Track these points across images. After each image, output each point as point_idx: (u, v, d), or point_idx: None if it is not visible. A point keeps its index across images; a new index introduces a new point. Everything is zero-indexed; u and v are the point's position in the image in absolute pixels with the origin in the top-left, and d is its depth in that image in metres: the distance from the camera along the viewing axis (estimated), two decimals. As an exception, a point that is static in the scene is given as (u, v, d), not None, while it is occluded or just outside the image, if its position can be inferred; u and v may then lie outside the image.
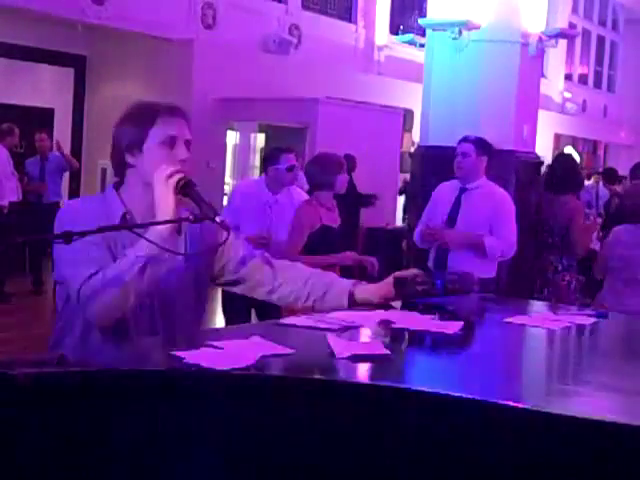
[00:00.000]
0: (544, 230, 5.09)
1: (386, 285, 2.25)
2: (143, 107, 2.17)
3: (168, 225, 2.01)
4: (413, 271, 2.28)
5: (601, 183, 11.86)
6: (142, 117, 2.13)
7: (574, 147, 18.85)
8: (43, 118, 10.71)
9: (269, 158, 4.95)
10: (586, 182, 12.86)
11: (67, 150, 10.65)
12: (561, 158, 5.57)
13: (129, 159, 2.13)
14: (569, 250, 5.03)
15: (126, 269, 1.97)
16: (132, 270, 1.97)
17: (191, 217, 2.04)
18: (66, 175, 9.53)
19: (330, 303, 2.26)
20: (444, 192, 4.77)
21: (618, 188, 10.94)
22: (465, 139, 4.66)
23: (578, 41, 19.26)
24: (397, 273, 2.28)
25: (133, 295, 1.99)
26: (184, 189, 2.02)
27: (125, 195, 2.16)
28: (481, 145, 4.62)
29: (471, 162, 4.56)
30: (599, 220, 5.83)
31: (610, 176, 11.09)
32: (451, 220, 4.61)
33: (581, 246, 5.03)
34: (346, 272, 4.13)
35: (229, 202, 5.23)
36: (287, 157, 4.87)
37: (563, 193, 5.07)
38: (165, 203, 2.01)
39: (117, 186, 2.19)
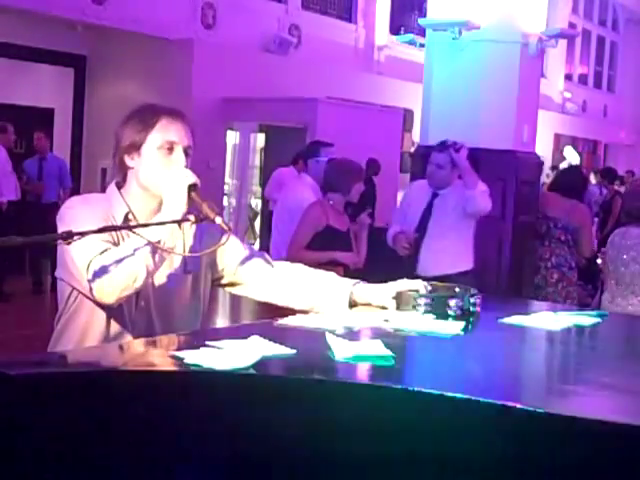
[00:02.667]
0: (557, 227, 5.25)
1: (386, 294, 2.21)
2: (145, 110, 2.17)
3: (171, 225, 2.01)
4: (418, 284, 2.22)
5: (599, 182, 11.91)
6: (142, 120, 2.13)
7: (574, 147, 18.84)
8: (43, 118, 10.71)
9: (310, 152, 5.08)
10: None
11: (67, 150, 10.68)
12: (572, 170, 5.84)
13: (128, 161, 2.14)
14: (577, 251, 5.31)
15: (138, 248, 1.97)
16: (144, 248, 1.97)
17: (192, 218, 2.04)
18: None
19: (330, 303, 2.26)
20: (416, 194, 4.73)
21: (617, 186, 10.98)
22: (441, 148, 4.55)
23: (578, 41, 19.28)
24: (400, 286, 2.22)
25: (144, 274, 1.98)
26: (188, 190, 2.03)
27: (127, 195, 2.16)
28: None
29: (444, 174, 4.53)
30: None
31: (609, 175, 11.13)
32: (422, 227, 4.56)
33: (591, 251, 5.34)
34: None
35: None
36: (328, 150, 5.02)
37: (569, 197, 5.27)
38: (177, 204, 2.01)
39: (119, 185, 2.19)
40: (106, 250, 1.99)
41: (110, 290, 1.98)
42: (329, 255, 4.25)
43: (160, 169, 2.09)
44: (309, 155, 5.14)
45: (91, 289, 2.00)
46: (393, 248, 4.68)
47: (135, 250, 1.97)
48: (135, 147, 2.12)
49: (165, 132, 2.11)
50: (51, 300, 8.00)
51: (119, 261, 1.96)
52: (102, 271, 1.95)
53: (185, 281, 2.19)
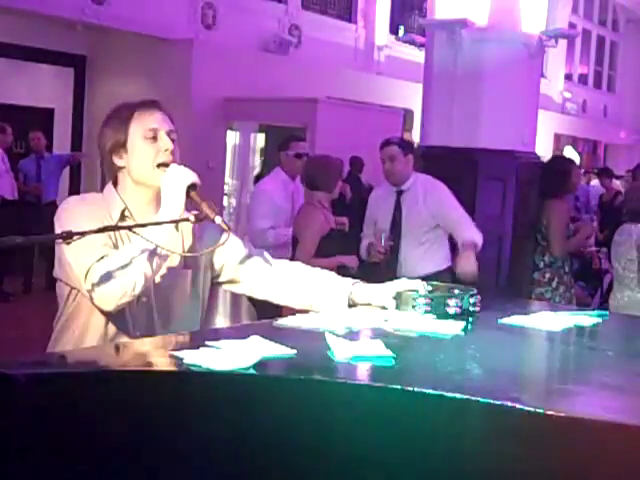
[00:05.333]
0: (536, 231, 5.22)
1: (386, 294, 2.20)
2: (119, 108, 2.18)
3: (169, 224, 2.01)
4: (417, 284, 2.23)
5: (597, 182, 11.95)
6: (119, 117, 2.14)
7: (574, 147, 18.86)
8: (43, 118, 10.72)
9: (281, 145, 5.09)
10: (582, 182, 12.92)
11: (67, 150, 10.68)
12: (546, 165, 5.66)
13: (117, 161, 2.14)
14: (548, 250, 5.19)
15: (136, 254, 1.97)
16: (142, 255, 1.97)
17: (192, 217, 2.04)
18: (66, 175, 9.51)
19: (329, 303, 2.26)
20: (379, 199, 4.67)
21: (619, 185, 11.01)
22: (387, 142, 4.53)
23: (578, 41, 19.28)
24: (399, 285, 2.22)
25: (142, 280, 1.99)
26: (188, 189, 2.03)
27: (122, 192, 2.17)
28: (405, 145, 4.55)
29: (401, 165, 4.47)
30: (595, 224, 5.93)
31: (606, 174, 11.18)
32: (396, 228, 4.50)
33: (557, 246, 5.15)
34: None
35: (259, 209, 5.19)
36: (297, 145, 5.01)
37: (548, 199, 5.20)
38: (175, 203, 2.01)
39: (115, 184, 2.19)
40: (104, 256, 1.99)
41: (109, 298, 1.98)
42: (337, 260, 4.23)
43: (149, 158, 2.10)
44: (280, 149, 5.15)
45: (90, 296, 2.00)
46: (367, 260, 4.57)
47: (133, 256, 1.97)
48: (120, 145, 2.13)
49: (144, 121, 2.13)
50: (43, 300, 7.95)
51: (118, 268, 1.96)
52: (101, 279, 1.95)
53: (185, 279, 2.20)
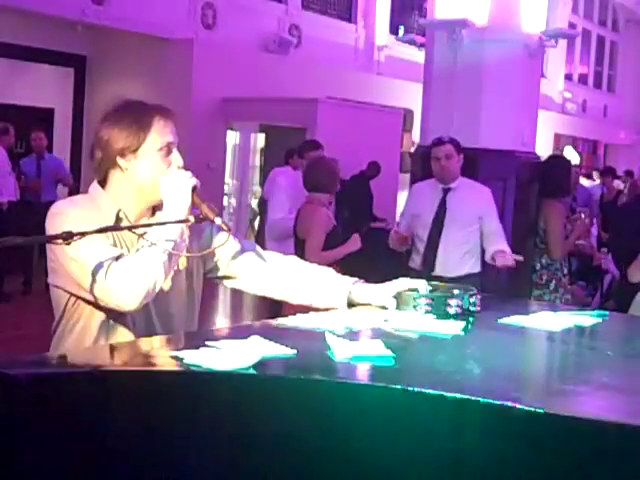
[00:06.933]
0: (534, 232, 5.22)
1: (386, 294, 2.20)
2: (137, 110, 2.13)
3: (181, 224, 2.01)
4: (417, 283, 2.22)
5: (597, 182, 11.95)
6: (136, 122, 2.08)
7: (574, 147, 18.85)
8: (43, 118, 10.72)
9: (303, 149, 5.33)
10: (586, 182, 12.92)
11: (67, 150, 10.68)
12: (542, 164, 5.66)
13: (121, 162, 2.10)
14: (547, 252, 5.17)
15: (154, 253, 1.97)
16: (160, 254, 1.97)
17: (192, 218, 2.04)
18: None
19: (328, 301, 2.25)
20: (422, 194, 4.75)
21: (620, 185, 11.01)
22: (442, 141, 4.62)
23: (578, 41, 19.30)
24: (399, 285, 2.22)
25: (162, 278, 1.99)
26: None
27: (114, 194, 2.13)
28: (458, 144, 4.64)
29: (455, 163, 4.56)
30: (586, 220, 5.82)
31: (608, 174, 11.17)
32: (438, 223, 4.57)
33: (557, 249, 5.14)
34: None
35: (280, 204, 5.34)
36: (316, 154, 5.23)
37: (545, 197, 5.20)
38: (181, 206, 2.01)
39: (102, 185, 2.16)
40: (120, 256, 1.98)
41: (132, 297, 1.96)
42: (343, 250, 4.32)
43: (161, 170, 2.08)
44: (302, 152, 5.34)
45: (110, 297, 1.97)
46: (395, 249, 4.71)
47: (152, 255, 1.96)
48: (131, 149, 2.08)
49: (163, 133, 2.09)
50: (43, 300, 7.92)
51: (138, 267, 1.95)
52: (122, 278, 1.94)
53: (180, 278, 2.18)
